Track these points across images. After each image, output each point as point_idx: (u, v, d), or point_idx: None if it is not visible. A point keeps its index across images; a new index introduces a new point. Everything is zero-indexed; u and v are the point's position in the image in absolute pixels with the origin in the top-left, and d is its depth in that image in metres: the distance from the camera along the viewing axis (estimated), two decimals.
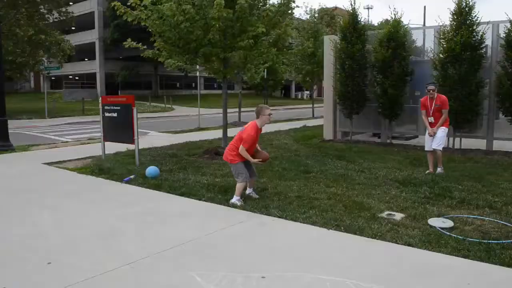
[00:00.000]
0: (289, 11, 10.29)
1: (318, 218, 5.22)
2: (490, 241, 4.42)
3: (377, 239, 4.59)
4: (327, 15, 30.07)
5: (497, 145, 10.36)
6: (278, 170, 8.01)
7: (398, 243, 4.46)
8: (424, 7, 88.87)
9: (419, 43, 12.56)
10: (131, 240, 4.70)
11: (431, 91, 7.89)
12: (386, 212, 5.45)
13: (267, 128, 14.94)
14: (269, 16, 9.47)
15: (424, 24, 35.88)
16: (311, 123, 18.80)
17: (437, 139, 7.78)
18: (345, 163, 8.70)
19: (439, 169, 7.79)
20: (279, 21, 9.88)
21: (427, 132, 7.99)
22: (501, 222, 5.06)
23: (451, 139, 10.72)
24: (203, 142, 12.03)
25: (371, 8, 66.57)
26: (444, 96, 7.97)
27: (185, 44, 9.29)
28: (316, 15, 27.84)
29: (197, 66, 11.25)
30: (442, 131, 7.83)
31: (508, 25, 9.68)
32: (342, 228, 4.91)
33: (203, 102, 24.79)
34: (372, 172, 7.82)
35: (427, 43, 11.87)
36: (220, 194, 6.35)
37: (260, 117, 5.96)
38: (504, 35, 9.76)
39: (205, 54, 9.37)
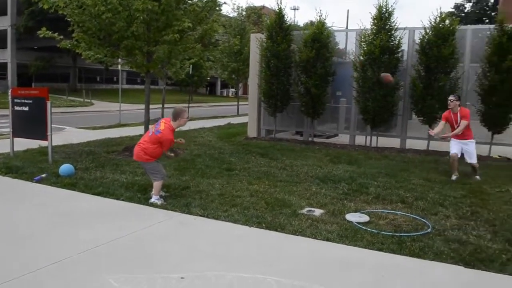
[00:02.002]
0: (217, 7, 10.20)
1: (240, 216, 5.19)
2: (401, 234, 4.66)
3: (298, 235, 4.65)
4: (254, 14, 30.29)
5: (410, 143, 11.00)
6: (201, 168, 7.89)
7: (317, 239, 4.56)
8: (348, 10, 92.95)
9: (342, 45, 13.04)
10: (41, 244, 4.35)
11: (449, 102, 7.68)
12: (307, 209, 5.55)
13: (190, 125, 14.79)
14: (196, 11, 9.30)
15: (347, 27, 37.41)
16: (236, 120, 18.84)
17: (471, 153, 7.60)
18: (268, 161, 8.78)
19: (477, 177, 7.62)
20: (206, 16, 9.74)
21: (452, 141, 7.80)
22: (412, 215, 5.35)
23: (368, 137, 11.24)
24: (123, 139, 11.58)
25: (298, 9, 68.20)
26: (466, 109, 7.76)
27: (107, 36, 8.86)
28: (244, 13, 27.94)
29: (119, 60, 10.79)
30: (473, 143, 7.70)
31: (423, 31, 10.32)
32: (263, 225, 4.93)
33: (125, 97, 23.94)
34: (294, 170, 7.96)
35: (349, 45, 12.33)
36: (139, 193, 6.11)
37: (178, 120, 5.82)
38: (419, 41, 10.38)
39: (128, 47, 8.99)
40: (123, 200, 5.88)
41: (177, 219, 5.17)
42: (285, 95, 11.79)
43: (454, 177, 7.52)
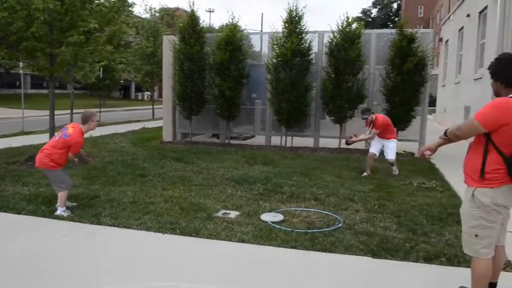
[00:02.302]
0: (125, 8, 9.82)
1: (154, 223, 5.01)
2: (314, 231, 4.77)
3: (213, 239, 4.58)
4: (167, 15, 29.71)
5: (323, 142, 11.40)
6: (112, 175, 7.52)
7: (232, 241, 4.52)
8: (262, 14, 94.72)
9: (257, 47, 13.19)
10: None
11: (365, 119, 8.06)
12: (222, 211, 5.50)
13: (102, 131, 14.14)
14: (102, 11, 8.87)
15: (261, 30, 38.11)
16: (151, 124, 18.34)
17: (391, 150, 8.00)
18: (183, 165, 8.61)
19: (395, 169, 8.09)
20: (113, 17, 9.32)
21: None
22: (324, 212, 5.51)
23: (283, 138, 11.47)
24: (26, 148, 10.73)
25: (213, 12, 68.17)
26: (380, 117, 8.08)
27: (4, 37, 8.17)
28: (157, 14, 27.34)
29: (20, 63, 10.01)
30: (394, 142, 8.11)
31: (331, 35, 10.74)
32: (178, 231, 4.79)
33: (30, 103, 22.32)
34: (210, 173, 7.88)
35: (264, 48, 12.51)
36: (44, 206, 5.66)
37: (88, 124, 5.49)
38: (328, 44, 10.79)
39: (28, 48, 8.36)
40: (25, 214, 5.41)
41: (85, 230, 4.86)
42: (200, 97, 11.68)
43: (365, 174, 7.90)
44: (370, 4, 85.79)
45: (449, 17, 21.99)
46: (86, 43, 8.89)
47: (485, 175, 2.89)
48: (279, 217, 5.25)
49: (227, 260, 4.06)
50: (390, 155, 7.99)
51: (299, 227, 4.90)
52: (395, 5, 75.59)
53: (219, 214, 5.41)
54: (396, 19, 12.84)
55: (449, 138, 3.13)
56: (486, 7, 13.77)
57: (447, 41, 22.36)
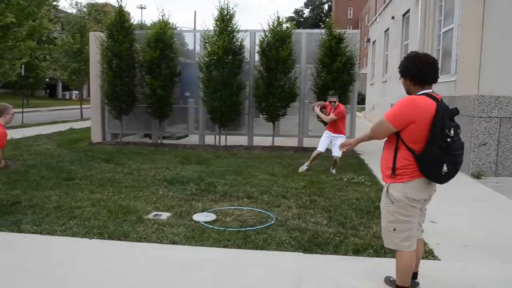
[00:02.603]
0: (46, 2, 9.31)
1: (80, 228, 4.76)
2: (247, 229, 4.75)
3: (143, 242, 4.43)
4: (95, 11, 28.45)
5: (257, 140, 11.47)
6: (35, 180, 7.07)
7: (163, 243, 4.39)
8: (195, 12, 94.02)
9: (190, 46, 12.98)
10: None
11: (332, 103, 7.97)
12: (153, 213, 5.34)
13: (24, 133, 13.34)
14: (21, 5, 8.33)
15: (195, 28, 37.69)
16: (79, 125, 17.55)
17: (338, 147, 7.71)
18: (113, 166, 8.29)
19: (333, 171, 8.02)
20: (33, 11, 8.80)
21: (324, 134, 8.17)
22: (257, 210, 5.52)
23: (217, 137, 11.40)
24: None
25: (144, 8, 66.43)
26: (342, 107, 8.13)
27: None
28: (85, 9, 26.14)
29: None
30: (342, 138, 7.96)
31: (263, 34, 10.82)
32: (106, 235, 4.58)
33: None
34: (141, 174, 7.65)
35: (197, 46, 12.34)
36: None
37: (3, 117, 5.13)
38: (259, 42, 10.86)
39: None
40: None
41: (2, 239, 4.52)
42: (130, 96, 11.31)
43: (304, 167, 8.05)
44: (302, 5, 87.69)
45: (375, 19, 22.99)
46: (4, 39, 8.32)
47: (396, 171, 2.98)
48: (211, 216, 5.18)
49: (158, 263, 3.93)
50: (337, 152, 7.90)
51: (232, 226, 4.87)
52: (326, 6, 77.97)
53: (150, 216, 5.25)
54: (327, 19, 13.30)
55: (357, 141, 3.41)
56: (408, 10, 14.53)
57: (374, 41, 23.37)
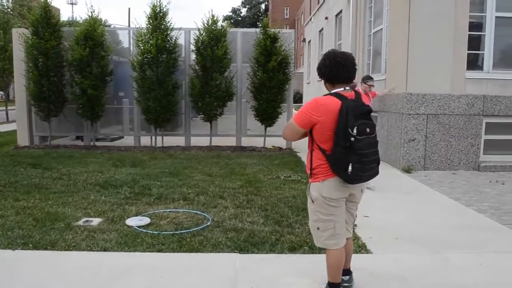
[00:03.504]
0: None
1: (1, 239, 4.43)
2: (182, 231, 4.65)
3: (72, 250, 4.20)
4: (21, 6, 26.75)
5: (195, 140, 11.31)
6: None
7: (94, 250, 4.19)
8: (129, 8, 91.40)
9: (125, 44, 12.54)
10: None
11: (371, 87, 7.40)
12: (83, 219, 5.09)
13: None
14: None
15: (129, 25, 36.66)
16: (4, 128, 16.49)
17: None
18: (41, 171, 7.83)
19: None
20: None
21: None
22: (193, 211, 5.42)
23: (153, 138, 11.13)
24: None
25: (75, 4, 63.35)
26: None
27: None
28: (10, 4, 24.56)
29: None
30: None
31: (197, 32, 10.68)
32: (30, 245, 4.30)
33: None
34: (71, 178, 7.27)
35: (132, 45, 11.93)
36: None
37: None
38: (194, 41, 10.71)
39: None
40: None
41: None
42: (59, 97, 10.74)
43: None
44: (240, 4, 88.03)
45: (310, 19, 23.51)
46: None
47: (313, 171, 3.02)
48: (145, 220, 5.02)
49: (88, 272, 3.74)
50: None
51: (167, 229, 4.75)
52: (263, 6, 78.74)
53: (80, 222, 5.00)
54: (265, 18, 13.46)
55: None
56: (341, 11, 14.97)
57: (309, 41, 23.90)
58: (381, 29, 10.54)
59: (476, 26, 8.79)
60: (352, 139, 2.75)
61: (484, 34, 8.77)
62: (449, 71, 8.39)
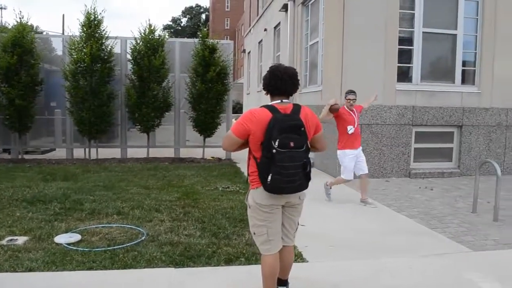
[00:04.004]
0: None
1: None
2: (115, 247, 4.47)
3: None
4: None
5: (132, 152, 11.01)
6: None
7: (17, 271, 3.92)
8: (63, 15, 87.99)
9: (59, 51, 11.98)
10: None
11: (351, 101, 6.53)
12: (7, 238, 4.76)
13: None
14: None
15: (63, 33, 35.22)
16: None
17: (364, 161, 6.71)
18: None
19: (369, 199, 6.75)
20: None
21: (348, 156, 6.52)
22: (128, 226, 5.24)
23: (87, 150, 10.70)
24: None
25: (5, 9, 59.77)
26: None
27: None
28: None
29: None
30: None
31: (134, 41, 10.45)
32: None
33: None
34: None
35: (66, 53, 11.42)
36: None
37: None
38: (130, 50, 10.47)
39: None
40: None
41: None
42: None
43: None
44: (180, 13, 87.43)
45: (250, 31, 23.76)
46: None
47: (249, 178, 3.12)
48: (76, 237, 4.78)
49: None
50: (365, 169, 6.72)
51: (99, 246, 4.54)
52: (204, 16, 78.68)
53: (3, 242, 4.66)
54: (205, 29, 13.41)
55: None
56: (279, 23, 15.25)
57: (249, 52, 24.12)
58: (317, 41, 10.84)
59: (406, 40, 9.26)
60: (274, 151, 2.83)
61: (413, 48, 9.25)
62: (381, 83, 8.75)
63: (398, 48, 9.04)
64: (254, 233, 3.15)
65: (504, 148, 9.66)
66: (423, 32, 9.23)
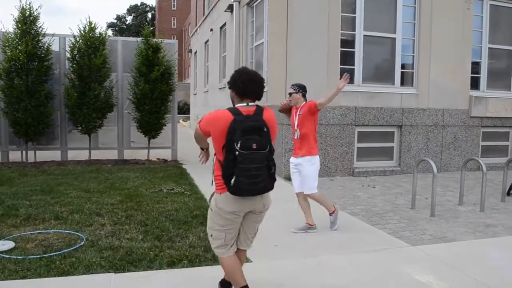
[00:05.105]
0: None
1: None
2: (51, 254, 4.27)
3: None
4: None
5: (73, 154, 10.57)
6: None
7: None
8: None
9: None
10: None
11: (290, 96, 5.36)
12: None
13: None
14: None
15: None
16: None
17: (305, 179, 5.23)
18: None
19: (333, 221, 5.43)
20: None
21: (290, 164, 5.46)
22: (66, 231, 5.02)
23: (24, 152, 10.17)
24: None
25: None
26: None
27: None
28: None
29: None
30: (310, 164, 5.22)
31: (73, 39, 10.05)
32: None
33: None
34: None
35: None
36: None
37: None
38: (69, 48, 10.06)
39: None
40: None
41: None
42: None
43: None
44: (125, 11, 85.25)
45: (196, 30, 23.56)
46: None
47: (214, 181, 3.07)
48: (9, 245, 4.52)
49: None
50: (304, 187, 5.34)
51: (34, 253, 4.32)
52: (150, 15, 77.10)
53: None
54: (152, 28, 13.08)
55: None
56: (225, 24, 15.22)
57: (196, 52, 23.92)
58: (262, 42, 10.92)
59: (349, 42, 9.51)
60: (236, 153, 2.81)
61: (355, 51, 9.52)
62: (324, 84, 8.94)
63: (341, 50, 9.28)
64: (211, 235, 3.13)
65: (441, 146, 10.17)
66: (364, 35, 9.53)
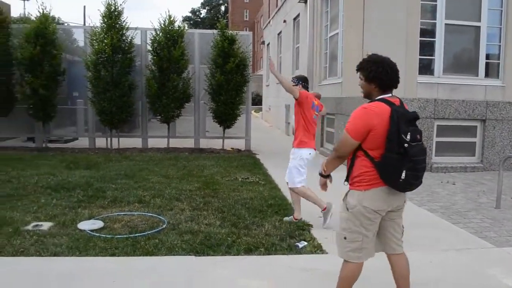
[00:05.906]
0: None
1: None
2: (136, 235, 4.55)
3: (19, 256, 4.02)
4: None
5: (153, 142, 11.12)
6: None
7: (43, 256, 4.03)
8: (84, 6, 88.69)
9: (80, 43, 12.13)
10: None
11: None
12: (33, 224, 4.88)
13: None
14: None
15: (84, 24, 35.65)
16: None
17: (288, 171, 5.21)
18: None
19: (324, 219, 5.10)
20: None
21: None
22: (149, 214, 5.32)
23: (109, 139, 10.85)
24: None
25: (28, 0, 60.58)
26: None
27: None
28: None
29: None
30: (293, 157, 5.15)
31: (154, 32, 10.52)
32: None
33: None
34: (21, 181, 6.95)
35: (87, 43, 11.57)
36: None
37: None
38: (150, 41, 10.54)
39: None
40: None
41: None
42: (8, 97, 10.30)
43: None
44: (199, 5, 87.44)
45: (269, 22, 23.65)
46: None
47: (354, 179, 2.86)
48: (98, 224, 4.88)
49: (36, 278, 3.59)
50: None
51: (121, 233, 4.63)
52: (223, 8, 78.54)
53: (29, 227, 4.79)
54: (225, 20, 13.40)
55: (328, 169, 3.06)
56: (299, 15, 15.14)
57: (268, 44, 24.03)
58: (337, 33, 10.75)
59: (428, 32, 9.10)
60: (406, 145, 2.65)
61: (435, 40, 9.10)
62: (402, 76, 8.59)
63: (420, 40, 8.91)
64: (345, 238, 2.88)
65: None
66: (445, 24, 9.07)
